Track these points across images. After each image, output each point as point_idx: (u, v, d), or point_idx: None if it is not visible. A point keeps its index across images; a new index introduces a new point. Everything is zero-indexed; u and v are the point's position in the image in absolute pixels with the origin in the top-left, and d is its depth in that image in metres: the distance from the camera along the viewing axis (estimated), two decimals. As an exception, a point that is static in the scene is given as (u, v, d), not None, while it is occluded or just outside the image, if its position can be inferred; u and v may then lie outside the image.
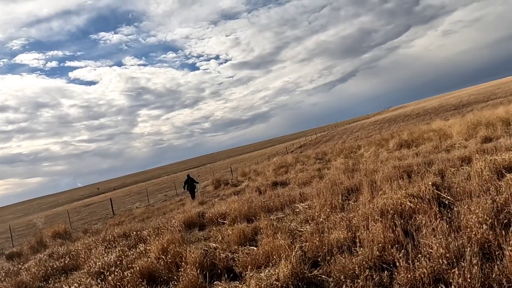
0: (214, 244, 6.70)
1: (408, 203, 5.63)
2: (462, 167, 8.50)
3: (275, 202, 9.21)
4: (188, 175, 24.19)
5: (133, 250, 7.19)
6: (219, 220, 9.06)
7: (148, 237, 8.27)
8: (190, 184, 22.70)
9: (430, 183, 6.55)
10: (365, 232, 4.90)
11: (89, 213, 31.57)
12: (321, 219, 6.48)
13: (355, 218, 5.77)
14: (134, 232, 9.13)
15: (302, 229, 6.26)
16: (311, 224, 6.42)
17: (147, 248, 6.88)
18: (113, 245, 8.29)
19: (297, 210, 8.23)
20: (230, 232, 7.13)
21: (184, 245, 6.54)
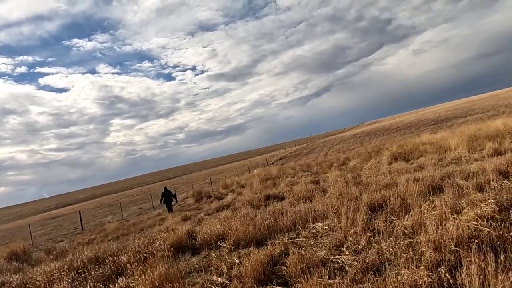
0: (219, 279, 5.11)
1: (485, 228, 4.28)
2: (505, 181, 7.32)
3: (283, 221, 7.70)
4: (165, 188, 22.61)
5: (111, 287, 5.48)
6: (217, 242, 7.46)
7: (128, 265, 6.56)
8: (167, 197, 21.14)
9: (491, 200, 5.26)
10: (463, 272, 3.46)
11: (55, 226, 28.89)
12: (360, 246, 5.05)
13: (421, 247, 4.34)
14: (110, 258, 7.37)
15: (339, 260, 4.79)
16: (348, 253, 4.98)
17: (130, 284, 5.20)
18: (83, 275, 6.50)
19: (314, 231, 6.77)
20: (237, 261, 5.60)
21: (183, 283, 4.92)
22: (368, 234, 5.72)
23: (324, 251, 5.33)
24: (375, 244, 4.97)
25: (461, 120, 44.13)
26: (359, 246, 5.10)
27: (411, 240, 4.72)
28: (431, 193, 7.64)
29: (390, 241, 4.93)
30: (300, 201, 11.21)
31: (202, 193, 23.77)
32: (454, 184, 7.91)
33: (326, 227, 6.70)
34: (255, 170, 40.31)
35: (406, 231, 5.26)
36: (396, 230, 5.50)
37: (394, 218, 6.43)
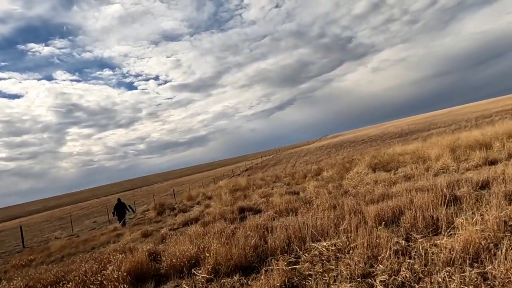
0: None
1: None
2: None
3: (273, 240, 6.14)
4: (118, 199, 20.66)
5: None
6: (190, 269, 5.76)
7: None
8: (120, 210, 19.22)
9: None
10: None
11: (-6, 243, 25.42)
12: (399, 279, 3.61)
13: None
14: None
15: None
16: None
17: None
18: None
19: (317, 253, 5.26)
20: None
21: None
22: (401, 257, 4.31)
23: (348, 285, 3.83)
24: (423, 276, 3.54)
25: (425, 133, 44.86)
26: (398, 279, 3.65)
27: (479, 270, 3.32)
28: (447, 204, 6.41)
29: (448, 271, 3.51)
30: (282, 214, 9.73)
31: (165, 205, 21.65)
32: (471, 195, 6.76)
33: (333, 247, 5.21)
34: (221, 181, 38.45)
35: (457, 256, 3.87)
36: (438, 256, 4.12)
37: (417, 236, 5.10)
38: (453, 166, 12.93)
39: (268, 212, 10.67)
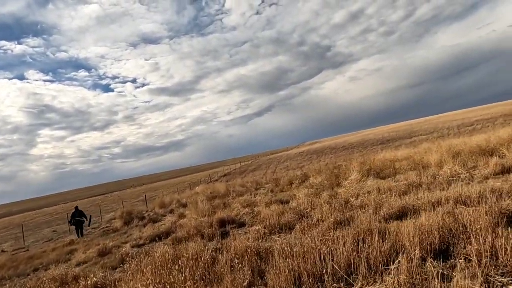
0: None
1: None
2: None
3: (276, 279, 4.17)
4: (76, 207, 18.39)
5: None
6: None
7: None
8: (77, 219, 17.41)
9: None
10: None
11: None
12: None
13: None
14: None
15: None
16: None
17: None
18: None
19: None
20: None
21: None
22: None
23: None
24: None
25: (407, 140, 44.08)
26: None
27: None
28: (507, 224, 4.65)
29: None
30: (274, 231, 7.77)
31: (133, 214, 19.27)
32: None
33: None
34: (197, 187, 36.16)
35: None
36: None
37: (504, 280, 3.27)
38: (463, 173, 11.37)
39: (255, 227, 8.68)
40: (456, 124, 49.09)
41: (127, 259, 7.56)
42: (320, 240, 5.46)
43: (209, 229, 9.32)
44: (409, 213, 6.59)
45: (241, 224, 9.95)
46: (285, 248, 5.22)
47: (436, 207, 6.38)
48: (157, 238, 10.27)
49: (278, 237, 7.30)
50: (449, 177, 11.21)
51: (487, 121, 43.86)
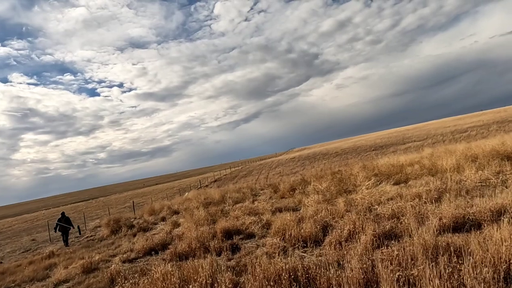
0: None
1: None
2: None
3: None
4: (62, 213, 16.92)
5: None
6: None
7: None
8: (63, 226, 16.21)
9: None
10: None
11: None
12: None
13: None
14: None
15: None
16: None
17: None
18: None
19: None
20: None
21: None
22: None
23: None
24: None
25: (402, 146, 43.44)
26: None
27: None
28: None
29: None
30: (297, 244, 6.51)
31: (121, 221, 17.72)
32: None
33: None
34: (188, 193, 34.62)
35: None
36: None
37: None
38: (492, 179, 10.32)
39: (269, 239, 7.41)
40: (449, 130, 48.76)
41: (118, 279, 6.18)
42: (371, 259, 4.23)
43: (215, 242, 7.99)
44: (467, 224, 5.44)
45: (250, 236, 8.66)
46: (333, 273, 3.95)
47: (499, 217, 5.23)
48: (152, 251, 8.88)
49: (303, 252, 6.06)
50: (478, 183, 10.16)
51: (480, 128, 43.55)
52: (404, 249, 4.56)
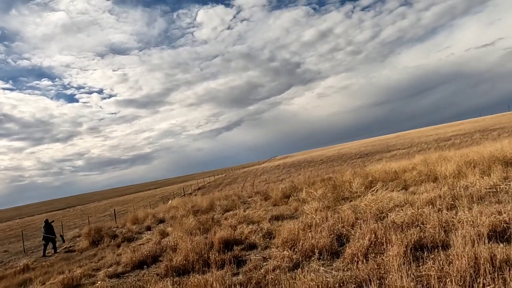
0: None
1: None
2: None
3: None
4: (46, 221, 15.95)
5: None
6: None
7: None
8: (47, 234, 15.62)
9: None
10: None
11: None
12: None
13: None
14: None
15: None
16: None
17: None
18: None
19: None
20: None
21: None
22: None
23: None
24: None
25: (387, 154, 43.50)
26: None
27: None
28: None
29: None
30: (310, 257, 5.79)
31: (103, 231, 16.59)
32: None
33: None
34: (171, 201, 33.48)
35: None
36: None
37: None
38: (501, 185, 9.91)
39: (276, 250, 6.66)
40: (433, 139, 49.29)
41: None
42: (416, 276, 3.56)
43: (214, 254, 7.18)
44: (508, 233, 4.86)
45: (251, 246, 7.89)
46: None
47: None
48: (143, 264, 7.98)
49: (320, 266, 5.35)
50: (488, 189, 9.73)
51: (464, 136, 44.15)
52: (451, 263, 3.93)
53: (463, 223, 5.82)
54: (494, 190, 9.56)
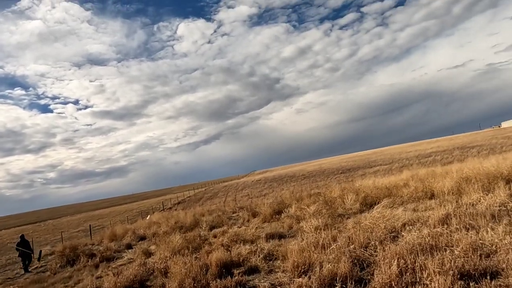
0: None
1: None
2: None
3: None
4: (21, 236, 15.11)
5: None
6: None
7: None
8: (22, 251, 14.61)
9: None
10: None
11: None
12: None
13: None
14: None
15: None
16: None
17: None
18: None
19: None
20: None
21: None
22: None
23: None
24: None
25: (370, 169, 43.54)
26: None
27: None
28: None
29: None
30: (335, 285, 5.05)
31: (79, 249, 15.29)
32: None
33: None
34: (150, 216, 32.07)
35: None
36: None
37: None
38: (510, 203, 9.50)
39: (283, 275, 5.89)
40: (413, 155, 49.82)
41: None
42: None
43: (213, 279, 6.33)
44: None
45: (252, 270, 7.08)
46: None
47: None
48: (129, 292, 7.02)
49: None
50: (497, 207, 9.29)
51: (444, 153, 44.78)
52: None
53: (496, 245, 5.25)
54: (504, 208, 9.15)
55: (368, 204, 14.06)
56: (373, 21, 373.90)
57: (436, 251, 5.56)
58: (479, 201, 10.05)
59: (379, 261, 5.48)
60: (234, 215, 20.88)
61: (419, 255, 5.26)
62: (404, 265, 4.95)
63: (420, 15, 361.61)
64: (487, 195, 10.50)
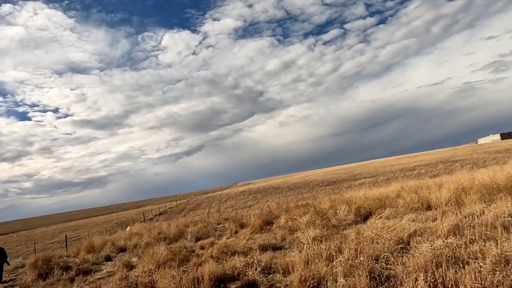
0: None
1: None
2: None
3: None
4: None
5: None
6: None
7: None
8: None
9: None
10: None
11: None
12: None
13: None
14: None
15: None
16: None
17: None
18: None
19: None
20: None
21: None
22: None
23: None
24: None
25: (355, 182, 43.38)
26: None
27: None
28: None
29: None
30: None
31: (53, 261, 14.14)
32: None
33: None
34: (130, 227, 30.79)
35: None
36: None
37: None
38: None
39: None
40: (397, 168, 50.04)
41: None
42: None
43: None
44: None
45: (250, 285, 6.37)
46: None
47: None
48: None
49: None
50: (507, 218, 8.86)
51: (428, 167, 45.09)
52: None
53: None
54: (510, 218, 8.72)
55: (362, 215, 13.55)
56: (356, 38, 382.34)
57: (461, 263, 5.00)
58: (483, 212, 9.65)
59: (399, 274, 4.86)
60: (219, 226, 20.04)
61: (446, 268, 4.67)
62: (433, 279, 4.35)
63: (400, 33, 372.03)
64: (489, 205, 10.13)
